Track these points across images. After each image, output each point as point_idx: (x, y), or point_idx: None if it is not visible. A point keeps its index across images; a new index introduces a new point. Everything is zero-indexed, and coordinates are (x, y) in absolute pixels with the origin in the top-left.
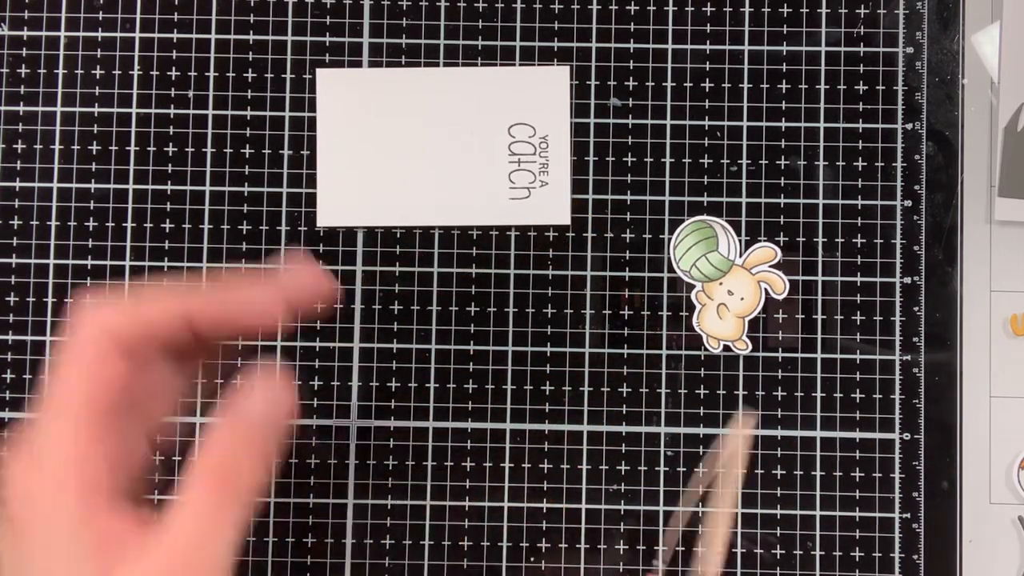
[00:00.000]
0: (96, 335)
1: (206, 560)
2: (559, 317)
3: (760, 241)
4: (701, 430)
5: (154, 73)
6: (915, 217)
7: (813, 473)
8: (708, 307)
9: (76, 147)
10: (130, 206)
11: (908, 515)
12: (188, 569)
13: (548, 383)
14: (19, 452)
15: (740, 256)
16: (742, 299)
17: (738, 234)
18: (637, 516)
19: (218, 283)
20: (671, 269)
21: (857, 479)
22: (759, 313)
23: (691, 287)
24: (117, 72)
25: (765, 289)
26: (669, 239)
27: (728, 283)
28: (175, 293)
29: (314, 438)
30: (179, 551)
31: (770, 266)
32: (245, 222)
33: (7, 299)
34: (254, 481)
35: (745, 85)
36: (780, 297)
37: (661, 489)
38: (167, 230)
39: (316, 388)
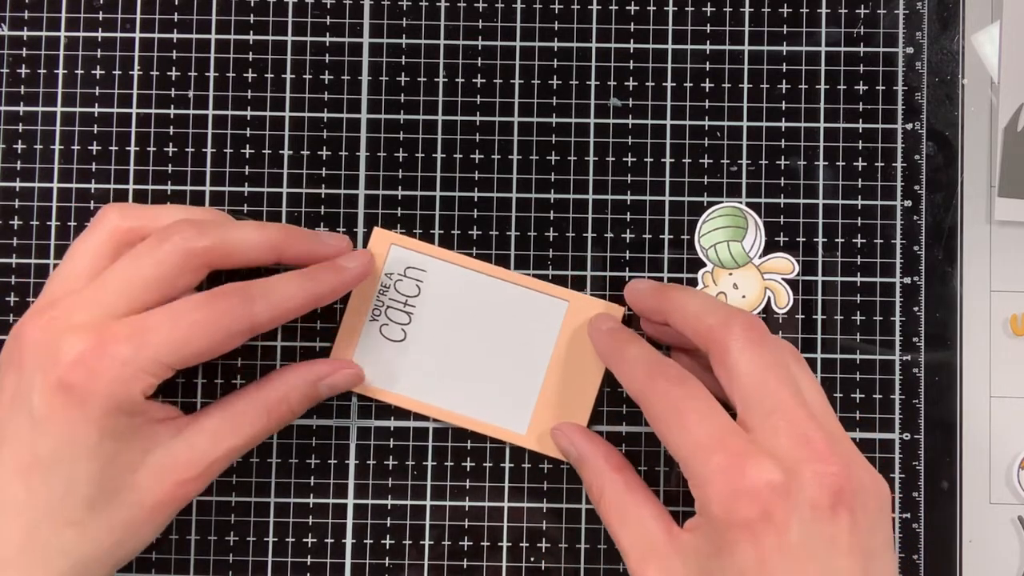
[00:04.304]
0: (172, 257)
1: (212, 454)
2: None
3: (780, 249)
4: None
5: (154, 73)
6: (915, 217)
7: None
8: (708, 291)
9: (76, 147)
10: None
11: (908, 515)
12: (204, 456)
13: None
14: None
15: (759, 256)
16: (743, 297)
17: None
18: None
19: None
20: (691, 248)
21: None
22: (759, 313)
23: (701, 265)
24: (117, 72)
25: (769, 297)
26: (695, 221)
27: (737, 277)
28: (264, 228)
29: (314, 438)
30: (202, 444)
31: (783, 278)
32: None
33: (7, 299)
34: (248, 428)
35: (745, 85)
36: (781, 311)
37: (661, 489)
38: None
39: None
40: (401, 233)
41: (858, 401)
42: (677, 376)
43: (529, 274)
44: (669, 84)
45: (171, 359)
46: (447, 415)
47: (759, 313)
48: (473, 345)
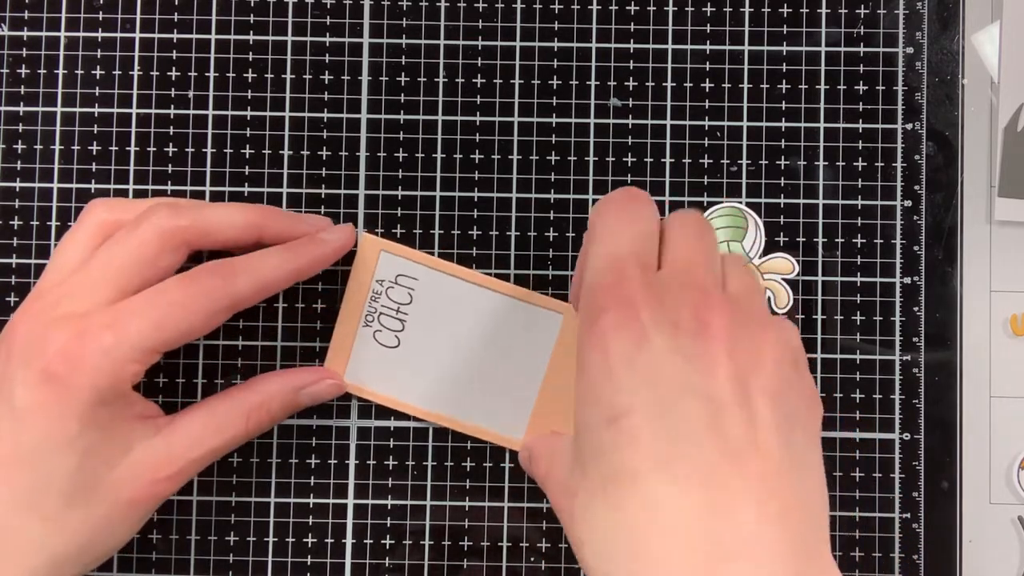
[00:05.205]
0: (150, 237)
1: (190, 454)
2: None
3: (780, 249)
4: None
5: (154, 73)
6: (915, 217)
7: None
8: None
9: (76, 147)
10: None
11: (908, 515)
12: (182, 456)
13: None
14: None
15: (759, 256)
16: None
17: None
18: None
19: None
20: None
21: (857, 479)
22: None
23: None
24: (117, 72)
25: (769, 297)
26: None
27: None
28: (243, 208)
29: (314, 438)
30: (181, 443)
31: (783, 278)
32: None
33: (7, 300)
34: (226, 431)
35: (745, 85)
36: (781, 311)
37: None
38: None
39: None
40: (393, 238)
41: (858, 401)
42: (638, 195)
43: (528, 275)
44: (669, 84)
45: (153, 343)
46: (444, 420)
47: None
48: (468, 354)
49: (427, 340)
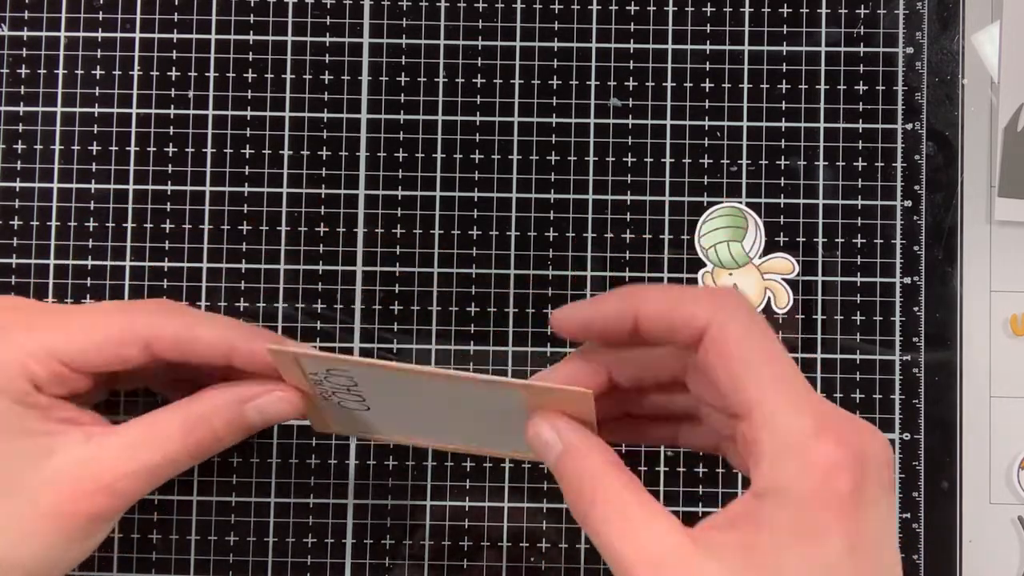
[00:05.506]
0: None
1: (122, 466)
2: None
3: (780, 249)
4: None
5: (154, 73)
6: (915, 217)
7: None
8: None
9: (76, 147)
10: (130, 206)
11: (908, 515)
12: (113, 466)
13: None
14: None
15: (759, 256)
16: None
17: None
18: None
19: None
20: (691, 248)
21: None
22: (759, 312)
23: (701, 265)
24: (117, 72)
25: (769, 298)
26: (695, 221)
27: (737, 277)
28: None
29: (314, 438)
30: (110, 453)
31: (783, 278)
32: (245, 222)
33: None
34: (164, 444)
35: (745, 85)
36: (780, 311)
37: (661, 490)
38: (167, 230)
39: None
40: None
41: (858, 401)
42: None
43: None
44: (669, 84)
45: (59, 348)
46: (433, 444)
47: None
48: (441, 413)
49: (395, 410)
